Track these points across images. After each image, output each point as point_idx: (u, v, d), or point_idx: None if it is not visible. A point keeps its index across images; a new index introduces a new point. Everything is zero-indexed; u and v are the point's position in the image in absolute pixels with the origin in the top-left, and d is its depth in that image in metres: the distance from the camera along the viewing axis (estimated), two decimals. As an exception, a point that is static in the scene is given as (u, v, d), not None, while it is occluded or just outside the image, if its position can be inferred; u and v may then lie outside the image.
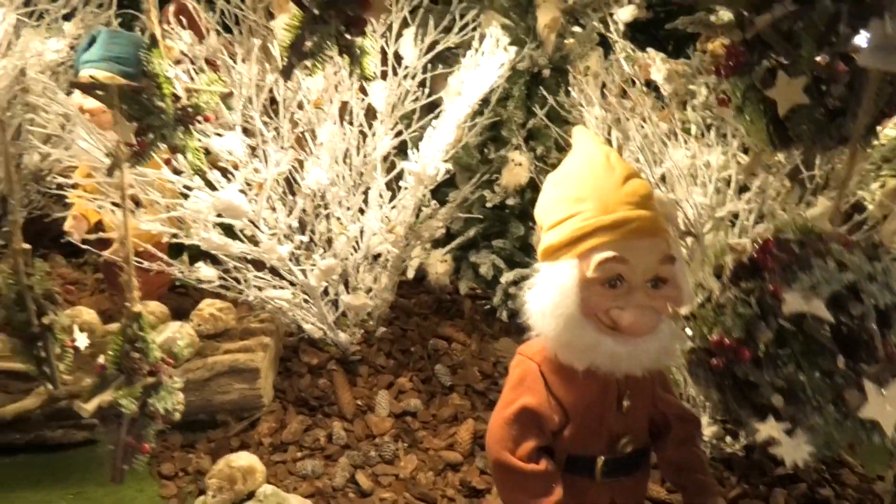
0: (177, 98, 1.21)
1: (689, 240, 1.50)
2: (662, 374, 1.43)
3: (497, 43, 1.89)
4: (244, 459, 1.67)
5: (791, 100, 1.03)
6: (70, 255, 3.10)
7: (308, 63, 1.03)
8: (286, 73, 1.04)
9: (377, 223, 1.93)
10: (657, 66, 1.67)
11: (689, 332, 1.25)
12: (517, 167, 2.27)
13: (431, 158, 1.85)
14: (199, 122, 1.23)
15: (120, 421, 1.00)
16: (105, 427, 1.00)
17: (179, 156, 1.38)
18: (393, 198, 2.11)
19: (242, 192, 1.69)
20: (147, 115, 1.18)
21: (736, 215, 1.57)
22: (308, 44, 1.04)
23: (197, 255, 2.02)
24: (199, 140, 1.26)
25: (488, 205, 2.35)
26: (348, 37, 1.06)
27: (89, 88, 1.14)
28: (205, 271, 1.93)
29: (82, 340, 1.20)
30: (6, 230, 1.12)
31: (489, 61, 1.86)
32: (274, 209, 1.86)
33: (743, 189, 1.56)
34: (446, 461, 2.09)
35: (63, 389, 1.76)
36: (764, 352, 1.16)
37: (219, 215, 1.75)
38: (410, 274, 2.78)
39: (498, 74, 1.94)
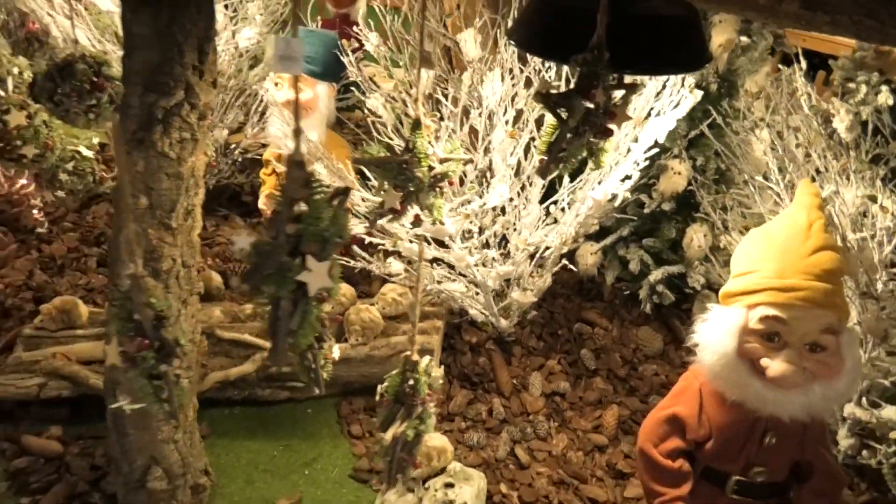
0: (430, 168, 1.44)
1: (870, 303, 1.62)
2: (823, 428, 1.59)
3: (683, 82, 2.00)
4: (437, 440, 1.97)
5: None
6: (245, 216, 3.47)
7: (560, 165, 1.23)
8: (543, 173, 1.24)
9: (555, 238, 2.13)
10: (840, 116, 1.75)
11: None
12: (676, 175, 2.40)
13: (614, 188, 2.02)
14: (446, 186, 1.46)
15: (396, 442, 1.29)
16: (384, 457, 1.30)
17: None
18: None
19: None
20: (408, 184, 1.42)
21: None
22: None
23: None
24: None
25: (646, 210, 2.50)
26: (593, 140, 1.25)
27: (368, 164, 1.37)
28: (395, 266, 2.20)
29: (336, 353, 1.48)
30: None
31: (674, 102, 1.98)
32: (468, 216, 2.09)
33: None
34: (594, 443, 2.34)
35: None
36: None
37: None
38: (555, 256, 2.98)
39: (682, 114, 2.05)
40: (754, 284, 1.45)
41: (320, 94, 2.66)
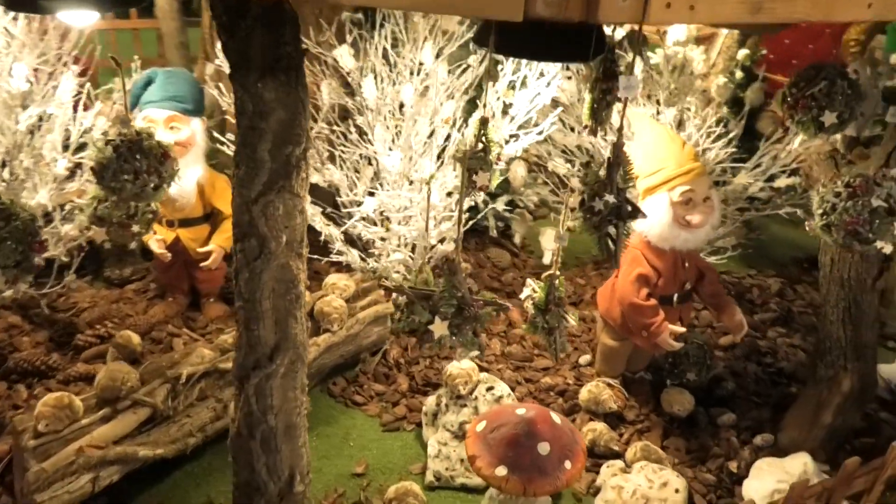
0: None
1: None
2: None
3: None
4: (467, 364, 2.51)
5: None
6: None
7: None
8: (594, 133, 1.92)
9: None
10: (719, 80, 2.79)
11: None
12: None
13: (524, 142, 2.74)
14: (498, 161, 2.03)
15: (554, 337, 1.89)
16: (548, 337, 1.89)
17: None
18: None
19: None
20: (480, 165, 1.98)
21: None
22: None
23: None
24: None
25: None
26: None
27: (462, 158, 1.87)
28: (354, 254, 2.61)
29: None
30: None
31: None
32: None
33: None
34: (517, 336, 3.11)
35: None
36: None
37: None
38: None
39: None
40: (668, 176, 2.35)
41: (196, 130, 2.77)
